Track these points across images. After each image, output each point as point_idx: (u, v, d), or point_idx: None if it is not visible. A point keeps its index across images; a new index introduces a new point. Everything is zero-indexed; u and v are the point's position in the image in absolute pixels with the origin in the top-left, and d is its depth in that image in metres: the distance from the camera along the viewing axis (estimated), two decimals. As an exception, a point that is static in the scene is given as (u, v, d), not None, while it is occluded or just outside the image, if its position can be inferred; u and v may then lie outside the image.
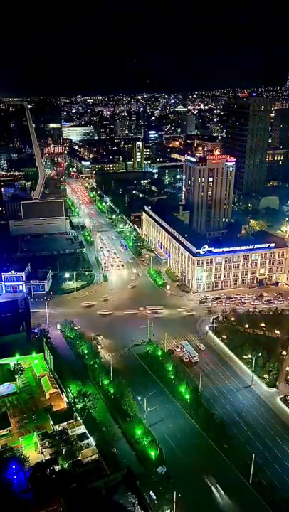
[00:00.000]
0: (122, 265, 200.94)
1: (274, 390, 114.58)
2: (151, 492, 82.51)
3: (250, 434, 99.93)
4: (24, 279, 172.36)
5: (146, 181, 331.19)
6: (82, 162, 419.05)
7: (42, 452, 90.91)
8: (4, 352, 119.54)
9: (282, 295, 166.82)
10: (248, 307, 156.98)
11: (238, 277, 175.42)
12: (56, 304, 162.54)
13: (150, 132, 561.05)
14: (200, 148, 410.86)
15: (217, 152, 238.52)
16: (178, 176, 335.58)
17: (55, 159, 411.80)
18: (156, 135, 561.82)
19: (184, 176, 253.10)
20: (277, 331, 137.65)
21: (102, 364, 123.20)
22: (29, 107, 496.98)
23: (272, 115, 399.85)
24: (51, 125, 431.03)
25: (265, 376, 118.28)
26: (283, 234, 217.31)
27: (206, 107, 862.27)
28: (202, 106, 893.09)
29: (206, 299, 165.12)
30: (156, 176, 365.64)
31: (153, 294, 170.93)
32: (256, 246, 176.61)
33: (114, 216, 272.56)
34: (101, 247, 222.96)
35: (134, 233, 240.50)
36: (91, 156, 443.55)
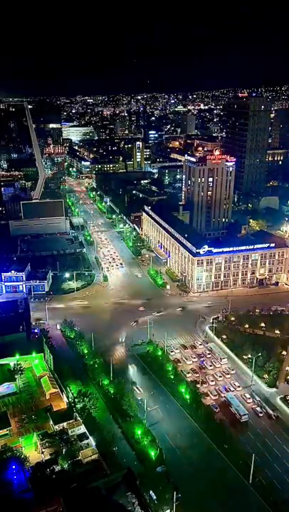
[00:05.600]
0: (121, 263, 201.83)
1: (274, 390, 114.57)
2: (151, 492, 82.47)
3: (250, 434, 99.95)
4: (24, 279, 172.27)
5: (146, 181, 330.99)
6: (82, 162, 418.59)
7: (42, 452, 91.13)
8: (4, 352, 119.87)
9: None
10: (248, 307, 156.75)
11: (238, 277, 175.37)
12: (56, 304, 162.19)
13: (150, 132, 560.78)
14: (200, 148, 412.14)
15: (217, 152, 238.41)
16: (178, 176, 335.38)
17: (55, 159, 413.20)
18: (156, 135, 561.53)
19: (183, 176, 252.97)
20: (277, 331, 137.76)
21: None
22: (29, 107, 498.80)
23: (272, 115, 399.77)
24: (51, 125, 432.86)
25: (265, 376, 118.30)
26: (283, 234, 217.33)
27: (206, 107, 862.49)
28: (202, 106, 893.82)
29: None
30: (156, 176, 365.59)
31: (153, 294, 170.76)
32: (256, 246, 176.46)
33: (114, 216, 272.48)
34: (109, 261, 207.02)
35: (134, 233, 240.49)
36: (91, 156, 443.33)
